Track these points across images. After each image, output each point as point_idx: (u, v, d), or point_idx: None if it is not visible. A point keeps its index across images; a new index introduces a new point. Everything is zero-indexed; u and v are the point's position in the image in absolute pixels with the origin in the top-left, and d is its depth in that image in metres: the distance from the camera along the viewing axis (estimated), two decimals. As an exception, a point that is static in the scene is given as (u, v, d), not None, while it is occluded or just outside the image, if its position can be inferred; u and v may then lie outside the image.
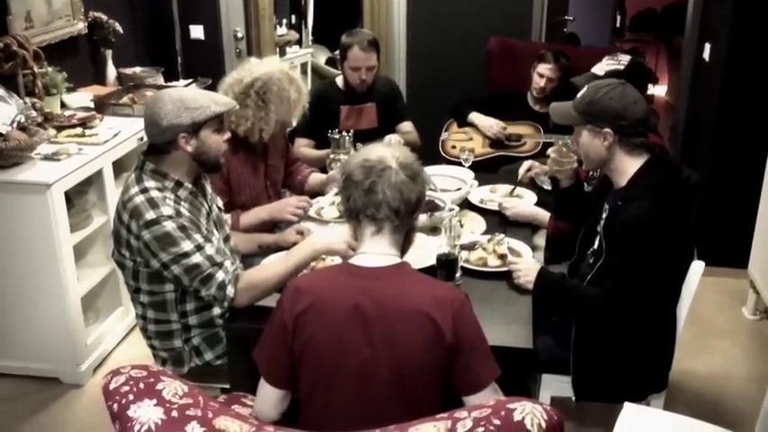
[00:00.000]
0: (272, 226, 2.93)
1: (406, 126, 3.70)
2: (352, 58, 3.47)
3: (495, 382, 1.75)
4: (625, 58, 3.00)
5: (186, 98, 2.16)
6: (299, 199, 2.83)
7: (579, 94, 2.29)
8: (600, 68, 2.98)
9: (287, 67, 2.88)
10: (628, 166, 2.22)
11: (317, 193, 3.06)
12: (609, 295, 2.16)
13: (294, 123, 2.98)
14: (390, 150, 1.81)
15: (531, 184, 3.11)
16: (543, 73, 3.86)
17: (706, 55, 4.03)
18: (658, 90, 8.01)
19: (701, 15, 4.11)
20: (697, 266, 2.32)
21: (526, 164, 3.09)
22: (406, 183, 1.76)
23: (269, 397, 1.83)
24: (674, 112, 5.00)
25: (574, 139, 2.37)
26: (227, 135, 2.31)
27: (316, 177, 3.15)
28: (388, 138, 3.34)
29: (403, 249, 1.87)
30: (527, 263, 2.35)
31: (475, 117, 4.00)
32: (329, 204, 2.87)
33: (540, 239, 2.95)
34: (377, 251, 1.79)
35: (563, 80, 3.87)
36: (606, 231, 2.26)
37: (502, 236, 2.53)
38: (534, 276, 2.27)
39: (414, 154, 1.87)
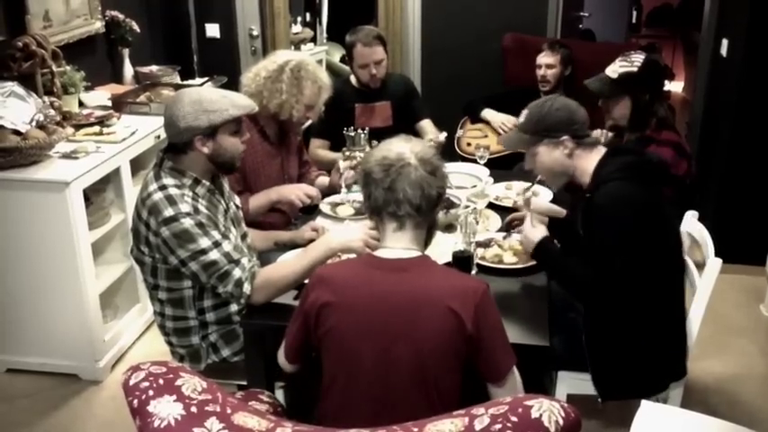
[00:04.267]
0: (287, 221, 2.94)
1: (426, 124, 3.68)
2: (357, 56, 3.48)
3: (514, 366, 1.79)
4: (638, 58, 2.95)
5: (205, 100, 2.16)
6: (309, 187, 2.87)
7: (523, 118, 2.37)
8: (613, 70, 2.96)
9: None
10: (589, 164, 2.29)
11: (322, 194, 3.05)
12: (595, 278, 2.17)
13: (317, 112, 2.98)
14: (409, 145, 1.81)
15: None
16: (541, 62, 3.94)
17: (723, 50, 4.00)
18: (675, 86, 7.95)
19: (719, 10, 4.08)
20: (715, 264, 2.31)
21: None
22: (426, 179, 1.77)
23: (284, 363, 1.97)
24: (690, 109, 4.96)
25: (528, 163, 2.39)
26: (246, 136, 2.32)
27: (322, 180, 3.15)
28: (427, 137, 3.36)
29: (425, 243, 1.89)
30: (532, 229, 2.31)
31: (487, 113, 4.00)
32: (345, 202, 2.88)
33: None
34: (399, 246, 1.81)
35: (565, 68, 3.92)
36: (584, 226, 2.29)
37: (509, 234, 2.55)
38: (534, 245, 2.27)
39: (433, 149, 1.87)
